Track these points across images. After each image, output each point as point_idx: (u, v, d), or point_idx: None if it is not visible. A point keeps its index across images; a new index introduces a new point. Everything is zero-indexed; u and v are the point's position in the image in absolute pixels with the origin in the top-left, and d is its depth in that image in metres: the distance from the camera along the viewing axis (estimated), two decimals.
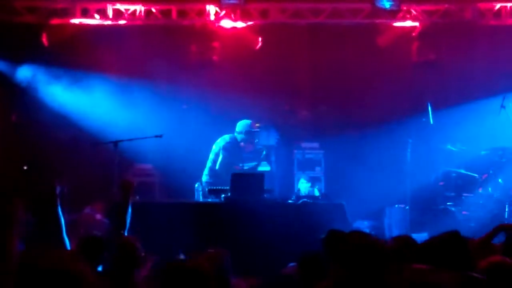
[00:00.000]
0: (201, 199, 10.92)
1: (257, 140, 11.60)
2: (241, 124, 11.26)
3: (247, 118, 11.91)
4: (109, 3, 12.33)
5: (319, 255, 5.83)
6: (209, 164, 11.22)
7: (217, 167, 11.13)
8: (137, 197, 7.94)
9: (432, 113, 11.54)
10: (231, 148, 11.19)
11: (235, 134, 11.27)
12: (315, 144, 12.62)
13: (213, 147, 11.25)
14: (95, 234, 6.40)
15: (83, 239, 6.15)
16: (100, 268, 5.80)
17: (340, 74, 13.15)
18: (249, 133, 11.22)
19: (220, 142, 11.24)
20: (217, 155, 11.20)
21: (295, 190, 11.54)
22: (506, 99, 10.99)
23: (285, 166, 12.45)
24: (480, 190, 11.36)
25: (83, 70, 12.90)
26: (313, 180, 11.83)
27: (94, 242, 6.01)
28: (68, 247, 6.42)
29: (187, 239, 9.47)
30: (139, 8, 12.36)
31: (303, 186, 11.57)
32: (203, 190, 10.99)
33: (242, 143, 11.25)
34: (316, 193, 11.32)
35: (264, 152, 11.39)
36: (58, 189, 6.58)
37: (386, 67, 12.94)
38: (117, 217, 6.82)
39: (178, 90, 12.89)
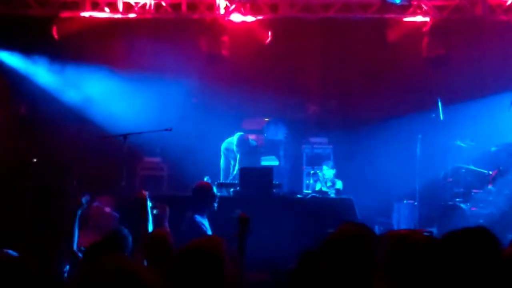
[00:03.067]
0: None
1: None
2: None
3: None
4: None
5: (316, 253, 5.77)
6: None
7: None
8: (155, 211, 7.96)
9: (442, 109, 11.49)
10: None
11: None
12: (324, 139, 12.66)
13: None
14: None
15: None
16: None
17: (349, 69, 13.20)
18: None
19: None
20: None
21: (315, 181, 11.58)
22: None
23: (294, 161, 12.52)
24: (490, 187, 11.27)
25: (94, 63, 12.90)
26: (314, 181, 11.86)
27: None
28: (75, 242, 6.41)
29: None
30: (149, 1, 12.38)
31: (328, 172, 11.56)
32: (212, 183, 11.03)
33: None
34: (339, 184, 11.34)
35: None
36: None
37: (396, 62, 12.95)
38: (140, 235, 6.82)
39: (187, 84, 12.91)
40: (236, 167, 11.64)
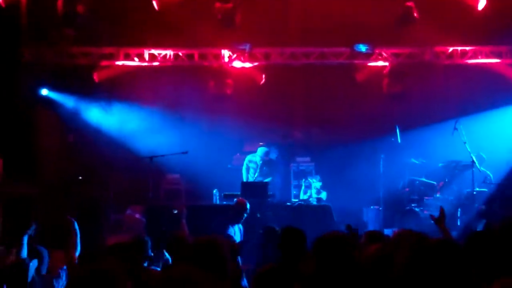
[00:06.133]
0: (218, 202, 10.94)
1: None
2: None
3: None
4: (146, 49, 12.37)
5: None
6: None
7: None
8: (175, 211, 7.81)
9: (399, 134, 11.50)
10: None
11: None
12: (307, 159, 12.56)
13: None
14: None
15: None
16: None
17: (327, 103, 13.18)
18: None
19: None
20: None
21: (306, 187, 11.62)
22: (458, 122, 10.88)
23: (284, 176, 12.45)
24: (438, 194, 11.36)
25: (126, 100, 12.94)
26: (305, 187, 11.80)
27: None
28: None
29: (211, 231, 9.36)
30: (169, 52, 12.41)
31: (317, 184, 11.54)
32: (219, 195, 11.02)
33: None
34: (324, 195, 11.31)
35: None
36: None
37: (363, 98, 12.89)
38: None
39: (199, 116, 12.90)
40: (257, 173, 11.60)
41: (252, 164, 11.83)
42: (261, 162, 11.76)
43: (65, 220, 6.67)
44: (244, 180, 11.66)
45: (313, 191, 11.55)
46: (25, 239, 6.46)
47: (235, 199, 9.89)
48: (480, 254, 3.71)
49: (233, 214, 8.15)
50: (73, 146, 12.86)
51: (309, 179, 11.77)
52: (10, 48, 11.38)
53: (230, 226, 7.96)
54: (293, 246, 5.06)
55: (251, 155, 11.92)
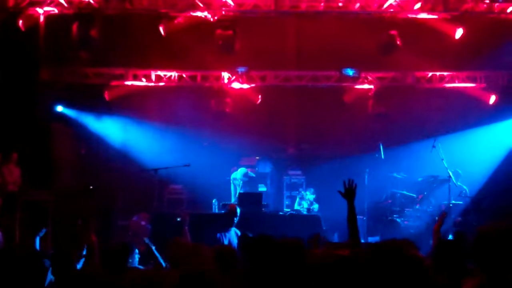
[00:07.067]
0: (216, 211, 10.98)
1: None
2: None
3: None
4: (153, 70, 12.49)
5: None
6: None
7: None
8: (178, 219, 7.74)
9: (383, 150, 11.57)
10: None
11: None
12: (299, 172, 12.66)
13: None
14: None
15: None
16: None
17: (317, 121, 13.28)
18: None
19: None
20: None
21: (300, 198, 11.63)
22: (436, 141, 11.02)
23: (277, 188, 12.56)
24: (417, 206, 11.42)
25: (134, 116, 13.04)
26: (299, 199, 11.86)
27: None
28: None
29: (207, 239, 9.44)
30: (174, 74, 12.53)
31: (310, 197, 11.60)
32: (218, 204, 11.07)
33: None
34: (316, 207, 11.36)
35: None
36: None
37: (350, 117, 13.01)
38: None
39: (201, 132, 12.97)
40: (238, 190, 11.71)
41: (236, 182, 11.95)
42: (241, 182, 11.86)
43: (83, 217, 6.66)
44: (232, 194, 11.74)
45: (307, 202, 11.60)
46: (37, 240, 6.58)
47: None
48: (448, 260, 3.85)
49: (224, 220, 8.25)
50: (85, 158, 12.93)
51: (302, 191, 11.81)
52: (30, 69, 11.49)
53: (224, 231, 8.05)
54: (263, 251, 4.97)
55: (234, 173, 12.02)
